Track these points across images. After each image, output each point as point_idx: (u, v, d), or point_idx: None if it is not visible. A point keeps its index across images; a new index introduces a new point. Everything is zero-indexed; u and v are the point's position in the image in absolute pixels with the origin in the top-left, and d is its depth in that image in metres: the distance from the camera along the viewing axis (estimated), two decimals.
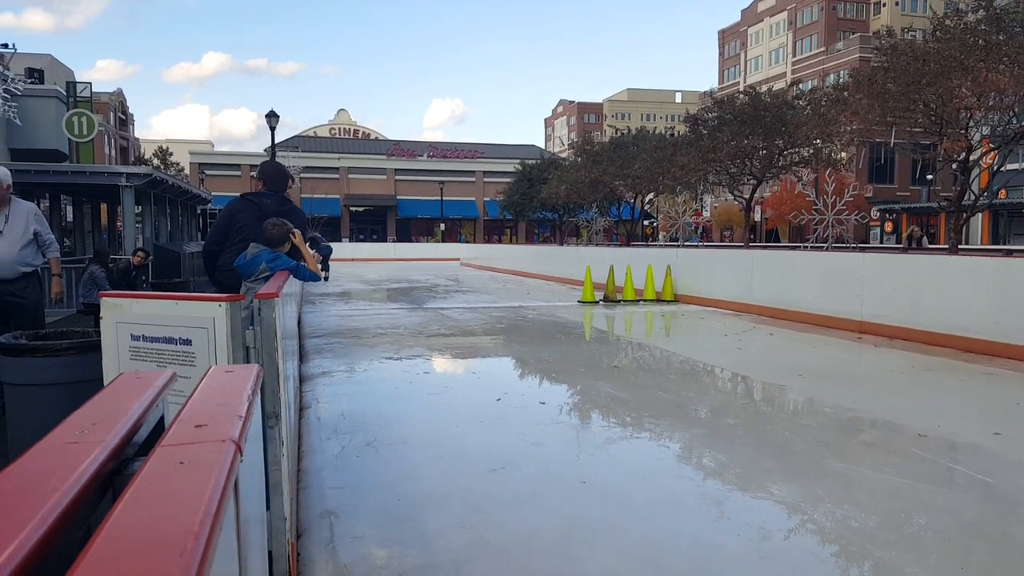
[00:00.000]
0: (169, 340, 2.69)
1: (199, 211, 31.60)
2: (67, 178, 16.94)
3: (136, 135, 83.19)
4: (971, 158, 16.31)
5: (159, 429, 0.98)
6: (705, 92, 31.58)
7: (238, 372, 1.11)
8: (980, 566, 3.00)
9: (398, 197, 62.68)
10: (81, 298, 9.77)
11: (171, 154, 72.44)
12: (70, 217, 26.30)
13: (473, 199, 64.41)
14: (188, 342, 2.65)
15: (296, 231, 4.51)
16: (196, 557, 0.48)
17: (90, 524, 0.68)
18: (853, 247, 20.84)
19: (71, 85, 23.77)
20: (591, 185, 31.53)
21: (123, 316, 2.80)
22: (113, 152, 63.94)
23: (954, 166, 17.03)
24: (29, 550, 0.50)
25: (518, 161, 51.13)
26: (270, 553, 2.70)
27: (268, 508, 2.68)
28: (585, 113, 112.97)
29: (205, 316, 2.59)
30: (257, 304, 2.62)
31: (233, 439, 0.76)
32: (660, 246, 24.26)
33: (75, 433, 0.75)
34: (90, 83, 23.82)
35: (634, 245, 29.52)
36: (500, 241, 59.16)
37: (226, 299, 2.57)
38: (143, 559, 0.47)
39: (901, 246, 29.54)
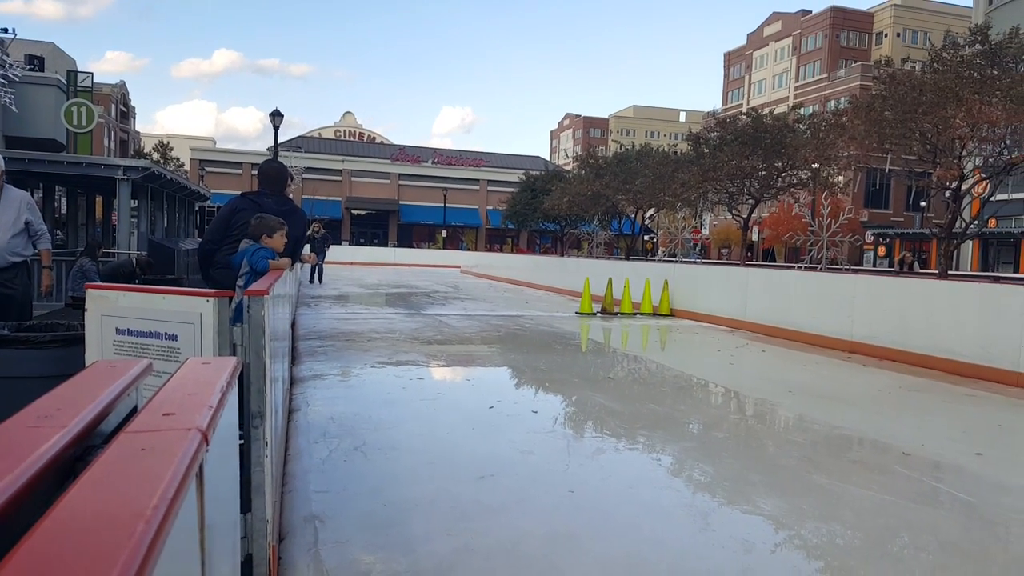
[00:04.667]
0: (155, 335, 2.67)
1: (197, 208, 31.56)
2: (62, 168, 16.80)
3: (138, 129, 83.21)
4: (963, 187, 16.47)
5: (131, 418, 0.96)
6: (708, 112, 31.78)
7: (215, 364, 1.10)
8: None
9: (401, 202, 62.73)
10: (70, 291, 9.69)
11: (171, 149, 72.40)
12: (64, 209, 26.23)
13: (476, 207, 64.49)
14: (174, 337, 2.63)
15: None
16: (145, 540, 0.47)
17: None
18: (846, 269, 20.95)
19: (72, 74, 23.74)
20: (593, 198, 31.66)
21: (109, 309, 2.78)
22: (112, 145, 63.92)
23: (947, 194, 17.17)
24: None
25: (522, 171, 51.31)
26: (250, 556, 2.67)
27: (249, 510, 2.65)
28: (591, 127, 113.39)
29: (192, 311, 2.58)
30: (246, 301, 2.60)
31: (199, 428, 0.74)
32: (659, 261, 24.32)
33: (37, 418, 0.74)
34: (91, 73, 23.77)
35: (633, 259, 29.54)
36: (502, 250, 59.20)
37: (214, 295, 2.56)
38: (89, 539, 0.46)
39: (893, 270, 29.65)
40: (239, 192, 5.32)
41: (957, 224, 17.06)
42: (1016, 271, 36.99)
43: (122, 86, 70.78)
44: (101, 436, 0.85)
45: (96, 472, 0.60)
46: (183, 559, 0.66)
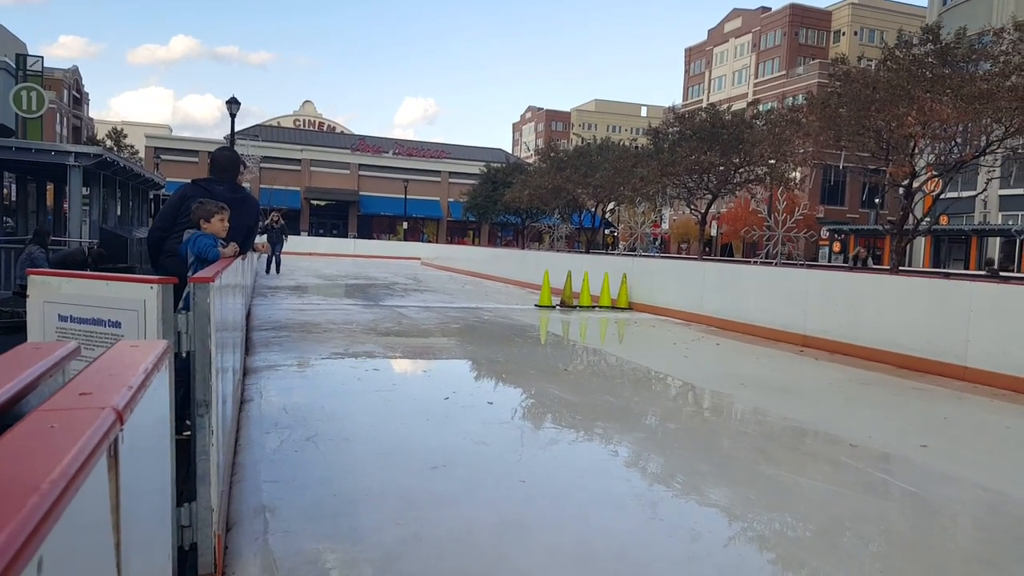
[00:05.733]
0: (98, 322, 2.61)
1: (151, 196, 30.83)
2: (11, 154, 16.30)
3: (92, 115, 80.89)
4: (915, 184, 16.90)
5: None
6: (668, 107, 32.13)
7: (144, 347, 1.09)
8: (898, 571, 3.08)
9: (361, 193, 62.06)
10: (18, 279, 9.40)
11: (125, 136, 70.50)
12: (14, 196, 25.38)
13: (437, 199, 64.15)
14: (118, 324, 2.57)
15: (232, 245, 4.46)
16: (36, 514, 0.46)
17: None
18: (800, 264, 21.41)
19: (21, 58, 22.91)
20: (554, 191, 31.78)
21: (51, 295, 2.71)
22: (65, 131, 62.08)
23: (900, 191, 17.61)
24: None
25: (484, 163, 51.24)
26: (195, 545, 2.64)
27: (195, 499, 2.62)
28: (553, 121, 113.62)
29: (136, 298, 2.53)
30: (191, 288, 2.56)
31: (115, 407, 0.73)
32: (618, 255, 24.53)
33: None
34: (41, 57, 22.95)
35: (594, 253, 29.75)
36: (463, 242, 59.05)
37: (157, 281, 2.51)
38: None
39: (847, 265, 30.38)
40: (191, 179, 5.22)
41: (909, 221, 17.55)
42: (967, 267, 38.13)
43: (75, 71, 68.79)
44: (18, 416, 0.84)
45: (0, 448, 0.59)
46: (90, 537, 0.65)
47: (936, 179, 18.55)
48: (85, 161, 16.22)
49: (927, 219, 19.28)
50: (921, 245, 41.35)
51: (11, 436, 0.63)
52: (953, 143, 17.12)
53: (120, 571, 0.75)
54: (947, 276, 14.88)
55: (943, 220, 36.87)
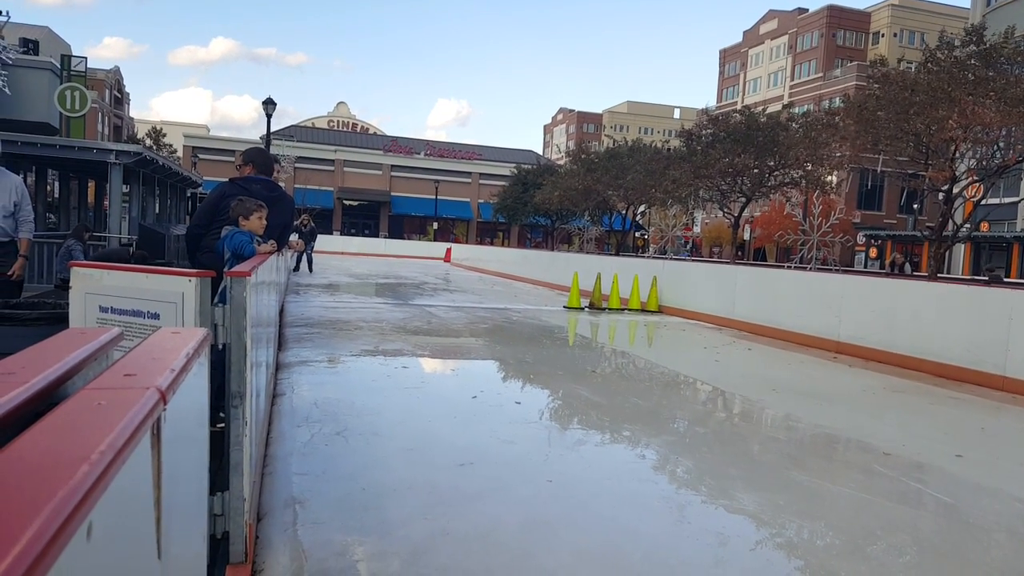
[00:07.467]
0: (137, 313, 2.68)
1: (189, 194, 31.42)
2: (55, 152, 16.74)
3: (132, 115, 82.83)
4: (955, 189, 16.51)
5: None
6: (701, 109, 31.79)
7: (184, 333, 1.12)
8: None
9: (393, 193, 62.58)
10: (58, 273, 9.66)
11: (164, 135, 72.07)
12: (57, 192, 26.07)
13: (468, 200, 64.43)
14: (156, 316, 2.64)
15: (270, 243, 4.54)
16: (87, 481, 0.49)
17: None
18: (835, 269, 21.06)
19: (66, 59, 23.53)
20: (584, 193, 31.70)
21: (92, 287, 2.79)
22: (106, 130, 63.61)
23: (940, 196, 17.22)
24: None
25: (514, 165, 51.32)
26: (227, 533, 2.69)
27: (227, 488, 2.68)
28: (584, 122, 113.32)
29: (174, 291, 2.59)
30: (228, 282, 2.61)
31: (158, 387, 0.76)
32: (648, 257, 24.36)
33: (0, 375, 0.75)
34: (85, 58, 23.59)
35: (624, 255, 29.61)
36: (492, 243, 59.18)
37: (196, 274, 2.57)
38: (32, 477, 0.48)
39: (884, 271, 29.81)
40: (228, 178, 5.33)
41: (948, 227, 17.17)
42: (1008, 275, 37.17)
43: (116, 72, 70.51)
44: (64, 397, 0.87)
45: (50, 421, 0.62)
46: (134, 510, 0.67)
47: (977, 184, 18.09)
48: (125, 159, 16.59)
49: (967, 225, 18.83)
50: (961, 252, 40.43)
51: (61, 411, 0.66)
52: (995, 147, 16.72)
53: (160, 547, 0.78)
54: (987, 284, 14.52)
55: (984, 227, 36.00)
